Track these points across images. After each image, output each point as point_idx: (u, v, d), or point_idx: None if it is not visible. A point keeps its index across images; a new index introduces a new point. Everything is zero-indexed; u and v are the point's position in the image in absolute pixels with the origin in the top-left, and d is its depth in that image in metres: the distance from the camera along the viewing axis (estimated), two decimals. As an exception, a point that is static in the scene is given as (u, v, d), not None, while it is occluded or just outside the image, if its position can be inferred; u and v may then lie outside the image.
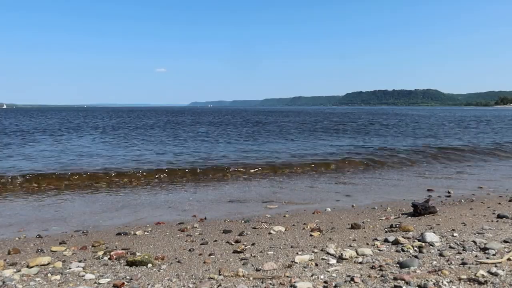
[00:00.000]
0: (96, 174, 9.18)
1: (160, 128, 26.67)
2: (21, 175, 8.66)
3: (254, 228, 5.17)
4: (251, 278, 3.22)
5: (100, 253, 4.10)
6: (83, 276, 3.38)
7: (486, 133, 23.20)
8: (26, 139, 18.67)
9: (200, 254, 4.01)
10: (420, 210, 5.63)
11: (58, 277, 3.37)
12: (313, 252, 3.93)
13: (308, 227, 5.11)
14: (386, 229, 4.83)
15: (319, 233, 4.75)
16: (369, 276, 3.18)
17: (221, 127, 27.56)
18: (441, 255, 3.67)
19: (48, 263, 3.73)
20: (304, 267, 3.48)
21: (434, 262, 3.48)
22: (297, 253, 3.89)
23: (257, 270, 3.43)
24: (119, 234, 5.02)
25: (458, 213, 5.70)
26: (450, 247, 3.92)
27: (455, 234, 4.41)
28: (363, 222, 5.28)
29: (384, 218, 5.60)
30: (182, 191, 7.96)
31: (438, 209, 5.83)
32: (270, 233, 4.82)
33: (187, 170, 9.77)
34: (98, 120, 41.23)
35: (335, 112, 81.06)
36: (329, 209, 6.32)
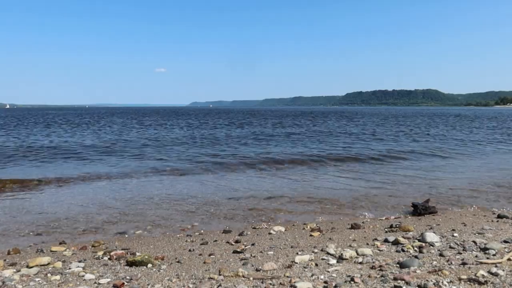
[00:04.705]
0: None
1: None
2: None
3: (254, 228, 5.17)
4: (251, 278, 3.22)
5: (100, 253, 4.09)
6: (83, 276, 3.37)
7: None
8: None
9: (200, 254, 4.01)
10: (420, 210, 5.63)
11: (58, 277, 3.37)
12: (313, 252, 3.93)
13: (308, 227, 5.11)
14: (386, 229, 4.83)
15: (319, 233, 4.74)
16: (369, 276, 3.17)
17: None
18: (441, 255, 3.67)
19: (48, 263, 3.72)
20: (304, 267, 3.47)
21: (434, 262, 3.48)
22: (297, 253, 3.89)
23: (257, 270, 3.43)
24: (119, 234, 5.01)
25: (458, 213, 5.70)
26: (450, 247, 3.92)
27: (455, 234, 4.41)
28: (363, 222, 5.28)
29: (384, 218, 5.60)
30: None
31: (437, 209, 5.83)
32: (270, 233, 4.82)
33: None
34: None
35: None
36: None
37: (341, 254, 3.74)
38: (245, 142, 17.18)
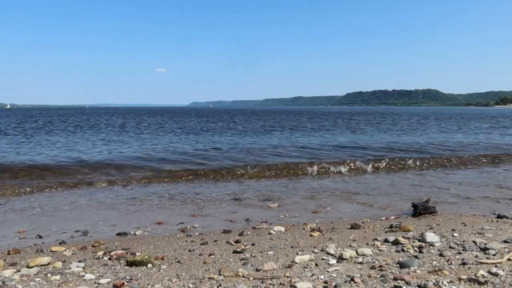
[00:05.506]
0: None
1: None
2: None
3: (254, 228, 5.17)
4: (251, 278, 3.22)
5: (100, 253, 4.09)
6: (83, 276, 3.38)
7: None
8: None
9: (200, 254, 4.01)
10: (420, 210, 5.63)
11: (58, 277, 3.37)
12: (313, 252, 3.93)
13: (308, 227, 5.11)
14: (386, 229, 4.83)
15: (319, 233, 4.74)
16: (369, 276, 3.17)
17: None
18: (441, 255, 3.67)
19: (48, 263, 3.73)
20: (304, 267, 3.47)
21: (434, 262, 3.48)
22: (297, 253, 3.89)
23: (257, 270, 3.43)
24: (119, 234, 5.02)
25: (458, 213, 5.70)
26: (450, 247, 3.92)
27: (455, 234, 4.41)
28: (363, 222, 5.28)
29: (384, 218, 5.60)
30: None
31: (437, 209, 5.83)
32: (270, 233, 4.82)
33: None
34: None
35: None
36: (329, 208, 6.32)
37: (341, 254, 3.74)
38: (243, 142, 17.18)
